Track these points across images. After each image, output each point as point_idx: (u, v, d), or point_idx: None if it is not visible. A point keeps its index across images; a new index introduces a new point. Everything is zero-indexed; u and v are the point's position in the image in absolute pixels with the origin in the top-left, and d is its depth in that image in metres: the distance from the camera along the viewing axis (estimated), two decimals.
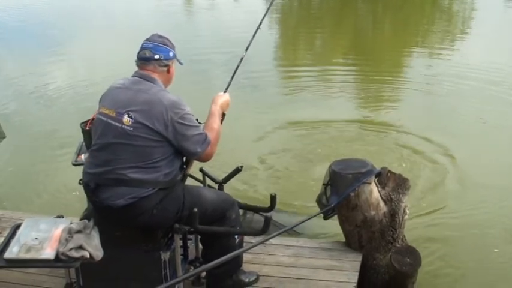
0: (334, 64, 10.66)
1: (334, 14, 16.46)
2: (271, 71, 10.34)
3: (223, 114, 3.33)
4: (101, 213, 3.06)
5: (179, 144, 2.98)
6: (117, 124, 2.94)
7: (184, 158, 3.16)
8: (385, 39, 13.28)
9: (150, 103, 2.93)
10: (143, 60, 3.08)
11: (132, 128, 2.91)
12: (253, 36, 3.74)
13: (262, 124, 7.31)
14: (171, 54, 3.12)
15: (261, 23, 3.85)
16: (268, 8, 4.16)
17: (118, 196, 2.94)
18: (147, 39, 3.13)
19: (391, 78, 9.49)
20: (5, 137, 3.88)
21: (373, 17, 16.51)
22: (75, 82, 9.59)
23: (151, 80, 3.04)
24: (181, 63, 3.23)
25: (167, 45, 3.12)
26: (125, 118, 2.92)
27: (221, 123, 3.28)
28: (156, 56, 3.06)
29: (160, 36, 3.15)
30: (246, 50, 3.70)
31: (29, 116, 8.07)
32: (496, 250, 4.67)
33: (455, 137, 6.77)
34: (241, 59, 3.66)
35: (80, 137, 3.86)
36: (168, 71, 3.13)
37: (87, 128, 3.63)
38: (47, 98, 8.86)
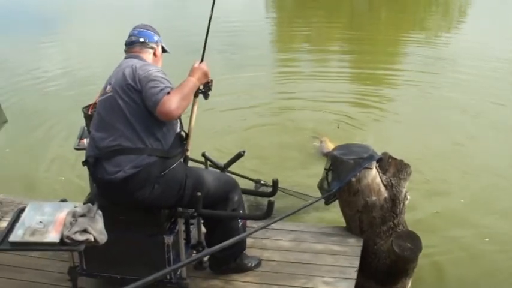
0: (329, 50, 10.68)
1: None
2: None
3: (208, 82, 3.26)
4: (103, 190, 3.09)
5: (145, 99, 3.00)
6: (103, 97, 3.14)
7: (183, 133, 3.21)
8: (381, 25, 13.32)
9: (124, 69, 3.11)
10: (130, 44, 3.30)
11: (112, 93, 3.08)
12: None
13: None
14: (155, 38, 3.33)
15: None
16: None
17: (117, 166, 2.97)
18: (133, 28, 3.35)
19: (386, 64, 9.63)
20: (6, 121, 3.86)
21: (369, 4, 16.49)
22: (70, 66, 9.60)
23: (135, 57, 3.23)
24: (167, 51, 3.41)
25: (150, 30, 3.35)
26: (107, 88, 3.13)
27: (208, 90, 3.28)
28: (141, 39, 3.28)
29: (145, 25, 3.39)
30: (212, 9, 3.26)
31: (25, 100, 8.03)
32: (486, 239, 4.72)
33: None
34: (210, 18, 3.28)
35: (81, 122, 3.86)
36: (155, 54, 3.32)
37: (89, 113, 3.63)
38: (43, 82, 8.83)
